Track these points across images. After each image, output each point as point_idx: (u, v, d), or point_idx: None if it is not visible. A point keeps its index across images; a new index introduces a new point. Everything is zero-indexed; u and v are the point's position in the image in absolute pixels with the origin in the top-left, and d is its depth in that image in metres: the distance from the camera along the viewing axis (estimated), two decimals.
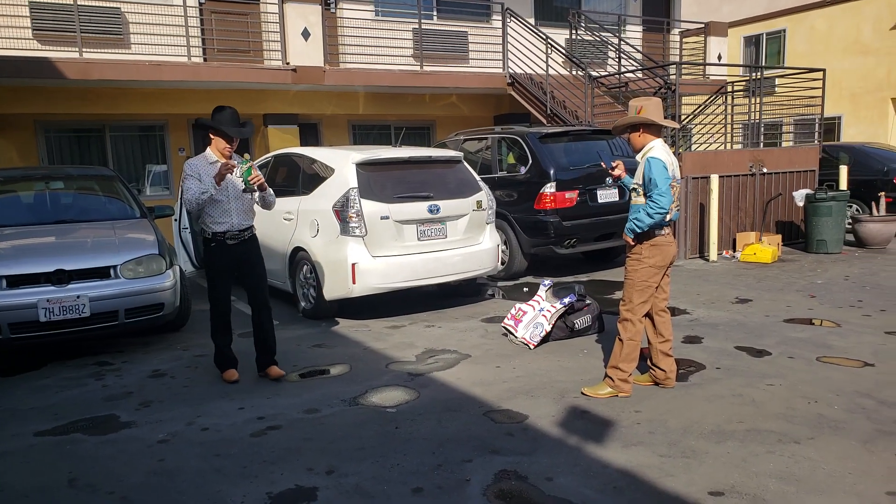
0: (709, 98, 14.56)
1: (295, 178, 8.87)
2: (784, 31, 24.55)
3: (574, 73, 14.98)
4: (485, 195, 8.70)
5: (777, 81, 15.32)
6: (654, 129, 5.46)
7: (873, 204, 12.49)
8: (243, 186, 5.87)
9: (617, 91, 14.56)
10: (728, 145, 13.49)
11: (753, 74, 13.60)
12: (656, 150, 5.34)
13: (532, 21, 16.07)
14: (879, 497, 3.84)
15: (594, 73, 14.03)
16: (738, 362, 6.24)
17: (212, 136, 5.97)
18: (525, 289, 9.74)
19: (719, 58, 18.69)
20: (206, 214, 5.92)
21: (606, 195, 10.18)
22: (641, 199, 5.35)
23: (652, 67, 14.01)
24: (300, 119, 14.72)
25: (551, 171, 9.88)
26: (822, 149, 13.92)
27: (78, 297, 6.66)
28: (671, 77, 12.38)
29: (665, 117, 5.65)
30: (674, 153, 11.08)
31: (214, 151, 5.97)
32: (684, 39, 19.25)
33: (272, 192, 6.23)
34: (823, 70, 13.58)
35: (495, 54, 15.38)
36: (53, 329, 6.65)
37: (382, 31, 14.72)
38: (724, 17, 23.24)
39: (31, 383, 6.34)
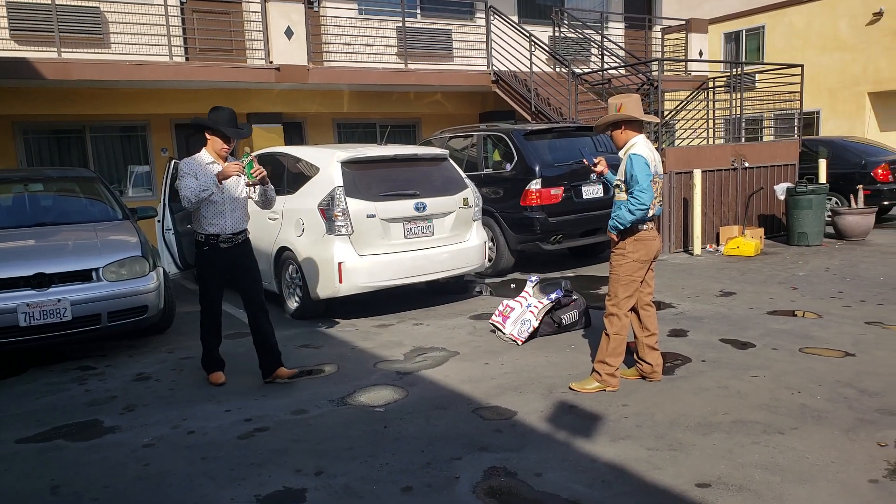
0: (691, 94, 14.62)
1: (280, 177, 8.80)
2: (763, 27, 24.70)
3: (558, 70, 14.99)
4: (471, 192, 8.67)
5: (757, 77, 15.39)
6: (636, 126, 5.45)
7: (852, 197, 12.58)
8: (246, 181, 5.75)
9: (600, 88, 14.58)
10: (710, 140, 13.53)
11: (734, 70, 13.65)
12: (638, 146, 5.34)
13: (515, 19, 16.08)
14: (861, 484, 3.86)
15: (578, 71, 14.03)
16: (723, 355, 6.26)
17: (208, 137, 5.84)
18: (512, 285, 9.74)
19: (700, 54, 18.75)
20: (200, 216, 5.80)
21: (591, 191, 10.19)
22: (624, 196, 5.34)
23: (634, 64, 14.05)
24: (284, 118, 14.64)
25: (536, 168, 9.87)
26: (802, 143, 14.02)
27: (59, 300, 6.56)
28: (653, 73, 12.38)
29: (646, 113, 5.65)
30: (657, 149, 11.15)
31: (211, 152, 5.85)
32: (666, 36, 19.31)
33: (273, 188, 6.13)
34: (802, 66, 13.68)
35: (479, 52, 15.37)
36: (34, 334, 6.53)
37: (366, 29, 14.66)
38: (704, 14, 23.36)
39: (12, 389, 6.25)
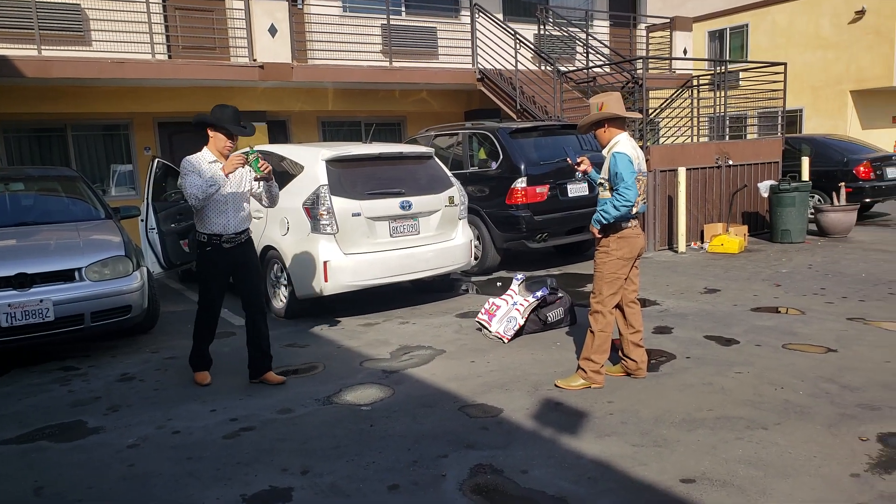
0: (675, 92, 14.66)
1: None
2: (747, 25, 24.85)
3: (543, 68, 15.00)
4: (457, 191, 8.69)
5: (741, 75, 15.48)
6: (619, 123, 5.47)
7: (834, 194, 12.67)
8: (254, 175, 5.68)
9: (585, 86, 14.60)
10: (694, 138, 13.59)
11: (718, 69, 13.68)
12: (622, 144, 5.36)
13: (500, 16, 16.10)
14: (843, 479, 3.91)
15: (562, 69, 14.06)
16: (708, 351, 6.30)
17: (210, 134, 5.76)
18: (498, 283, 9.76)
19: (685, 52, 18.83)
20: (202, 215, 5.70)
21: (576, 189, 10.22)
22: (608, 194, 5.37)
23: (619, 62, 14.08)
24: (268, 116, 14.60)
25: (522, 167, 9.89)
26: (785, 141, 14.10)
27: (41, 300, 6.52)
28: (638, 71, 12.43)
29: (629, 110, 5.68)
30: (641, 147, 11.20)
31: (213, 150, 5.76)
32: (650, 34, 19.37)
33: (276, 184, 6.06)
34: (785, 64, 13.77)
35: (464, 50, 15.38)
36: (16, 334, 6.48)
37: (351, 27, 14.63)
38: (688, 13, 23.47)
39: None
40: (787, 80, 13.70)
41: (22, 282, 6.54)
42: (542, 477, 4.07)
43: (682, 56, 18.52)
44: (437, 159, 9.04)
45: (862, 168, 13.74)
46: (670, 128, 13.72)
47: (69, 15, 12.28)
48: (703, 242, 12.13)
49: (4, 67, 11.00)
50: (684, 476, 4.00)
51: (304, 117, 15.68)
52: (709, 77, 14.43)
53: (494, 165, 10.26)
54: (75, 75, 11.62)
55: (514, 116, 14.26)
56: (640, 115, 5.76)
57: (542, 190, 9.94)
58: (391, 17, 14.78)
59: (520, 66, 14.26)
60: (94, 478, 4.37)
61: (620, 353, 5.72)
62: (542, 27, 16.78)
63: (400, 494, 3.96)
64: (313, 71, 13.68)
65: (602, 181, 5.44)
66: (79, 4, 12.35)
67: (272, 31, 13.08)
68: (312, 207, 7.68)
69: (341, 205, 7.70)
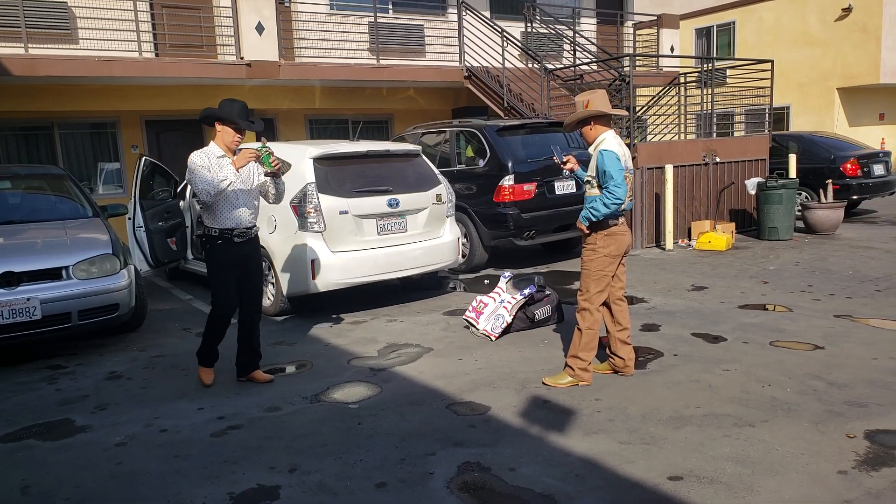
0: (662, 89, 14.70)
1: None
2: (734, 23, 24.93)
3: (530, 65, 15.03)
4: (444, 188, 8.69)
5: (728, 73, 15.53)
6: (604, 121, 5.48)
7: (821, 191, 12.70)
8: (265, 170, 5.65)
9: (572, 83, 14.62)
10: (682, 136, 13.63)
11: (705, 66, 13.74)
12: (608, 141, 5.37)
13: (488, 14, 16.09)
14: (830, 476, 3.92)
15: (550, 66, 14.07)
16: (695, 349, 6.32)
17: (218, 129, 5.71)
18: (486, 281, 9.76)
19: (672, 50, 18.88)
20: (214, 210, 5.61)
21: (564, 187, 10.23)
22: (596, 191, 5.37)
23: (606, 59, 14.09)
24: (256, 114, 14.51)
25: (509, 164, 9.90)
26: (772, 138, 14.14)
27: (28, 299, 6.50)
28: (625, 69, 12.47)
29: (615, 107, 5.69)
30: (628, 144, 11.23)
31: (220, 145, 5.70)
32: (638, 32, 19.40)
33: (283, 180, 6.02)
34: (772, 61, 13.81)
35: (452, 48, 15.36)
36: (3, 333, 6.47)
37: (338, 24, 14.60)
38: (675, 10, 23.50)
39: None
40: (774, 78, 13.73)
41: (9, 280, 6.52)
42: (529, 474, 4.07)
43: (670, 53, 18.57)
44: (424, 157, 9.05)
45: (849, 165, 13.78)
46: (657, 125, 13.76)
47: (56, 13, 12.21)
48: (690, 240, 12.16)
49: None
50: (672, 473, 4.02)
51: (292, 115, 15.64)
52: (696, 74, 14.49)
53: (482, 163, 10.26)
54: (62, 73, 11.56)
55: (502, 114, 14.27)
56: (626, 113, 5.78)
57: (530, 187, 9.95)
58: (378, 14, 14.76)
59: (507, 64, 14.28)
60: (81, 476, 4.36)
61: (608, 351, 5.73)
62: (529, 24, 16.80)
63: (387, 492, 3.96)
64: (300, 69, 13.65)
65: (590, 178, 5.45)
66: (66, 2, 12.28)
67: (259, 28, 13.04)
68: (300, 205, 7.67)
69: (329, 202, 7.70)
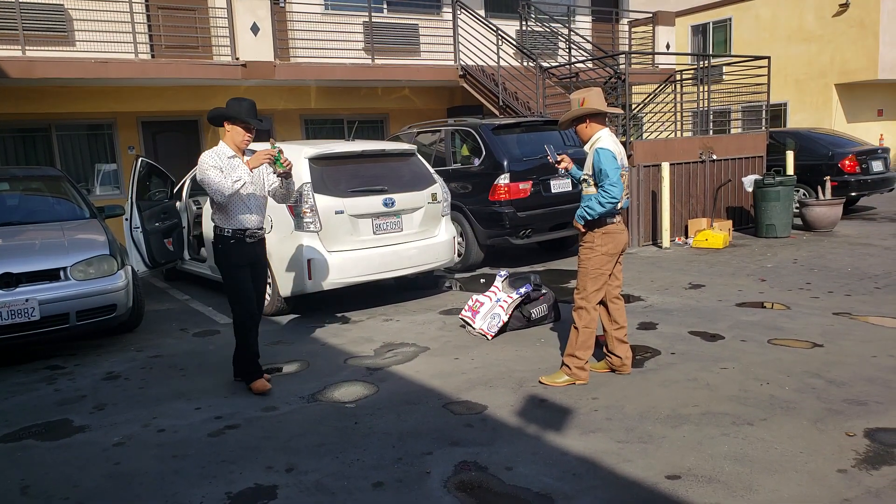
0: (658, 87, 14.71)
1: None
2: (730, 19, 24.93)
3: (525, 64, 15.04)
4: (439, 188, 8.70)
5: (724, 69, 15.54)
6: (600, 119, 5.48)
7: (819, 188, 12.69)
8: (277, 171, 5.59)
9: (568, 81, 14.64)
10: (678, 133, 13.64)
11: (701, 63, 13.75)
12: (604, 140, 5.37)
13: (482, 13, 16.09)
14: (830, 474, 3.92)
15: (545, 64, 14.08)
16: (693, 347, 6.33)
17: (227, 129, 5.62)
18: (482, 280, 9.77)
19: (667, 47, 18.89)
20: (227, 210, 5.56)
21: (560, 185, 10.24)
22: (593, 190, 5.37)
23: (602, 57, 14.12)
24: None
25: (505, 163, 9.90)
26: (770, 135, 14.15)
27: (27, 300, 6.52)
28: (621, 67, 12.47)
29: (610, 105, 5.70)
30: (624, 142, 11.23)
31: (230, 144, 5.63)
32: (633, 29, 19.41)
33: (293, 181, 6.01)
34: (769, 57, 13.78)
35: (447, 47, 15.36)
36: (2, 333, 6.48)
37: (333, 24, 14.60)
38: (671, 7, 23.47)
39: None
40: (771, 74, 13.74)
41: (7, 281, 6.54)
42: (526, 474, 4.08)
43: (665, 51, 18.59)
44: (419, 156, 9.05)
45: (847, 162, 13.79)
46: (653, 123, 13.77)
47: (53, 15, 12.21)
48: (687, 238, 12.17)
49: None
50: (670, 472, 4.02)
51: (287, 115, 15.65)
52: (692, 71, 14.50)
53: (477, 162, 10.27)
54: (59, 75, 11.57)
55: (497, 113, 14.27)
56: (621, 111, 5.78)
57: (526, 186, 9.95)
58: (373, 14, 14.76)
59: (502, 63, 14.28)
60: (79, 476, 4.37)
61: (605, 350, 5.74)
62: (524, 23, 16.80)
63: (385, 492, 3.97)
64: (296, 69, 13.65)
65: (586, 177, 5.45)
66: (62, 5, 12.29)
67: (254, 29, 13.04)
68: (295, 205, 7.67)
69: (324, 202, 7.70)
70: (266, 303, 8.12)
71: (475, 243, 10.32)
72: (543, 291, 7.38)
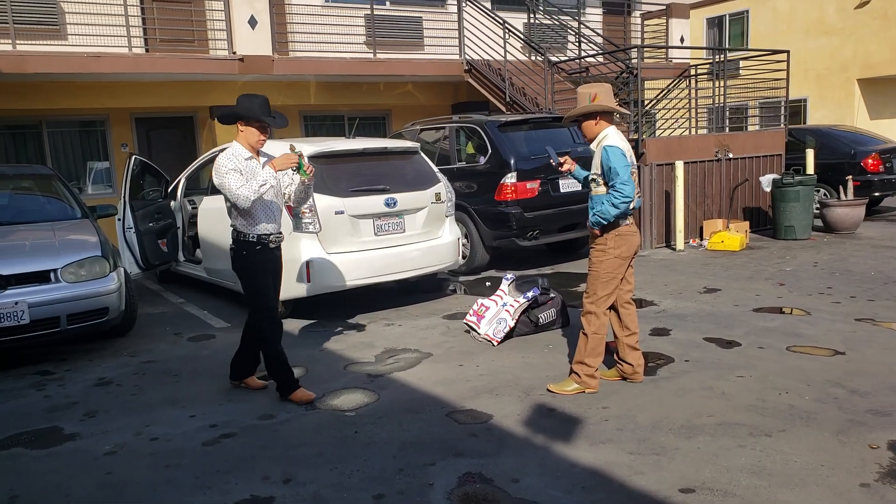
0: (672, 82, 14.69)
1: None
2: (747, 11, 24.85)
3: (533, 58, 15.02)
4: (443, 187, 8.69)
5: (741, 64, 15.49)
6: (609, 116, 5.46)
7: (841, 188, 12.66)
8: (303, 178, 5.53)
9: (577, 76, 14.62)
10: (692, 130, 13.61)
11: (717, 57, 13.70)
12: (612, 137, 5.35)
13: (489, 5, 16.08)
14: (852, 489, 3.89)
15: (554, 59, 14.07)
16: (708, 354, 6.31)
17: (241, 129, 5.55)
18: (487, 283, 9.76)
19: (682, 40, 18.87)
20: (250, 215, 5.47)
21: (569, 184, 10.22)
22: (602, 189, 5.35)
23: (613, 51, 14.09)
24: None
25: (512, 161, 9.89)
26: (789, 132, 14.11)
27: (16, 303, 6.52)
28: (633, 61, 12.44)
29: (622, 101, 5.68)
30: (636, 140, 11.22)
31: (245, 145, 5.55)
32: (645, 22, 19.39)
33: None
34: (787, 52, 13.76)
35: (451, 40, 15.36)
36: None
37: (333, 17, 14.60)
38: None
39: None
40: (789, 69, 13.70)
41: None
42: (533, 486, 4.06)
43: (679, 44, 18.56)
44: (423, 154, 9.05)
45: (870, 160, 13.72)
46: (667, 120, 13.74)
47: (44, 8, 12.23)
48: (702, 239, 12.14)
49: None
50: (683, 486, 4.00)
51: (286, 111, 15.34)
52: (707, 66, 14.45)
53: (483, 160, 10.26)
54: (51, 70, 11.61)
55: (504, 109, 14.26)
56: (628, 112, 5.77)
57: (533, 185, 9.94)
58: (375, 6, 14.76)
59: (509, 57, 14.27)
60: (70, 486, 4.37)
61: (616, 357, 5.71)
62: (532, 15, 16.78)
63: None
64: (295, 63, 13.67)
65: (594, 177, 5.43)
66: None
67: (252, 22, 13.06)
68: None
69: (324, 202, 7.70)
70: None
71: (480, 245, 10.31)
72: (552, 295, 7.37)
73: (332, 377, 6.18)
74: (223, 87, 13.96)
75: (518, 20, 16.28)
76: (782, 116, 14.58)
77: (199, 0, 13.81)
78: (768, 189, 12.26)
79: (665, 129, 13.86)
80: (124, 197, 8.57)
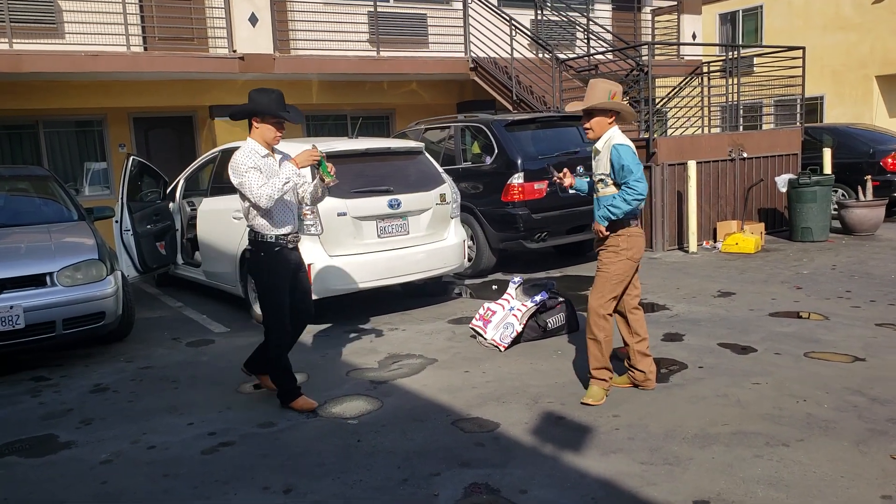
0: (684, 80, 14.67)
1: None
2: (761, 6, 24.77)
3: (541, 56, 15.01)
4: (448, 188, 8.67)
5: (755, 61, 15.46)
6: (619, 118, 5.46)
7: (859, 188, 12.60)
8: (326, 180, 5.48)
9: (586, 74, 14.61)
10: (706, 129, 13.60)
11: (730, 54, 13.69)
12: (619, 136, 5.37)
13: (495, 1, 16.06)
14: (873, 501, 3.86)
15: (562, 56, 14.07)
16: (722, 360, 6.27)
17: (256, 126, 5.50)
18: (494, 287, 9.75)
19: (694, 37, 18.85)
20: (270, 215, 5.43)
21: (578, 185, 10.18)
22: (611, 189, 5.34)
23: (622, 48, 14.06)
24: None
25: (519, 161, 9.87)
26: (805, 131, 14.07)
27: (11, 307, 6.52)
28: (643, 58, 12.43)
29: (630, 100, 5.68)
30: (647, 139, 11.20)
31: (261, 143, 5.50)
32: (656, 18, 19.36)
33: None
34: (803, 48, 13.71)
35: (457, 38, 15.36)
36: None
37: (336, 14, 14.59)
38: None
39: None
40: (805, 66, 13.67)
41: None
42: (542, 497, 4.04)
43: (691, 41, 18.53)
44: (427, 155, 9.04)
45: (890, 160, 13.67)
46: (679, 118, 13.72)
47: (41, 6, 12.26)
48: (715, 242, 12.11)
49: None
50: (697, 497, 3.97)
51: None
52: (720, 63, 14.44)
53: (489, 160, 10.25)
54: (47, 69, 11.64)
55: (510, 108, 14.27)
56: (636, 115, 5.76)
57: (541, 186, 9.92)
58: (378, 3, 14.74)
59: (516, 54, 14.27)
60: (65, 495, 4.37)
61: (627, 363, 5.68)
62: (539, 12, 16.77)
63: None
64: (296, 62, 13.68)
65: (602, 177, 5.41)
66: None
67: (253, 20, 13.08)
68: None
69: (326, 204, 7.65)
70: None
71: (487, 247, 10.30)
72: (560, 299, 7.34)
73: (335, 384, 6.16)
74: (223, 87, 13.98)
75: (525, 17, 16.27)
76: (798, 114, 14.53)
77: None
78: (784, 189, 12.21)
79: (677, 128, 13.84)
80: (122, 198, 8.57)
